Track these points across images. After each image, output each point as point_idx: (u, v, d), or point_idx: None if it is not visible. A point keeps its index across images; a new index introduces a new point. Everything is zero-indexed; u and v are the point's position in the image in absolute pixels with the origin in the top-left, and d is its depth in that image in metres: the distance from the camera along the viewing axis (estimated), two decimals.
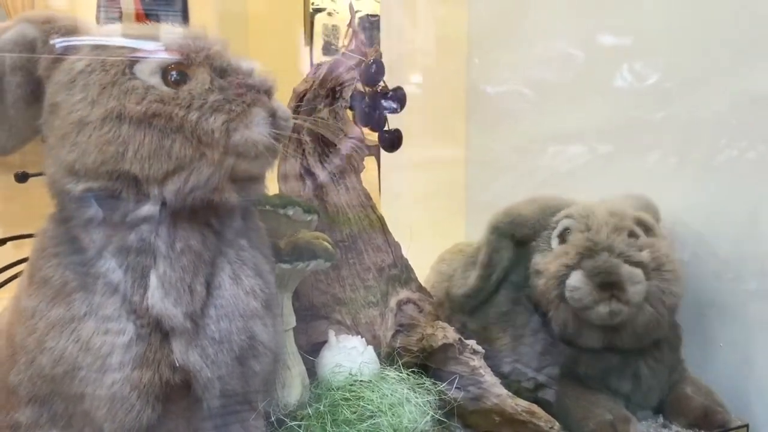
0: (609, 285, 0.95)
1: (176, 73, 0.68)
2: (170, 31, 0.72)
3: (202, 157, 0.66)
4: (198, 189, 0.67)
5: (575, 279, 0.97)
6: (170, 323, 0.67)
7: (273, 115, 0.71)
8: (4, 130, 0.71)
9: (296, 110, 1.01)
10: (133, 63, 0.67)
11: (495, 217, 1.11)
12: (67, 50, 0.70)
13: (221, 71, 0.70)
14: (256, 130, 0.68)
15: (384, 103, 1.05)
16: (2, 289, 1.06)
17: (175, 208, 0.67)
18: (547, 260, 1.03)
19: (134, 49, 0.69)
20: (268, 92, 0.72)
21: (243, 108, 0.68)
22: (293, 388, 0.89)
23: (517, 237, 1.09)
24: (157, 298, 0.67)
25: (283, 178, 1.02)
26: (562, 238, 1.04)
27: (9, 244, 1.08)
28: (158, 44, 0.70)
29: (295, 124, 1.00)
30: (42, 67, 0.70)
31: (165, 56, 0.69)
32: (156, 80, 0.67)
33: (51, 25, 0.70)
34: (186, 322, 0.67)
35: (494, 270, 1.10)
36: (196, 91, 0.67)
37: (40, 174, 0.75)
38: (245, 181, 0.72)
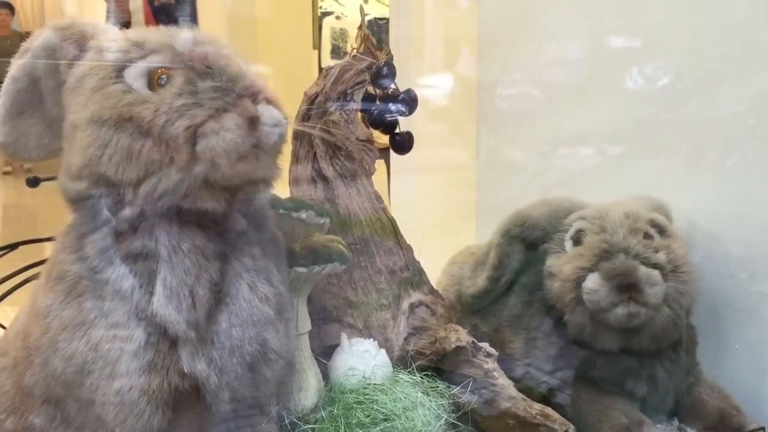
0: (627, 287, 0.94)
1: (165, 77, 0.67)
2: (165, 34, 0.70)
3: (171, 162, 0.64)
4: (167, 195, 0.65)
5: (592, 281, 0.96)
6: (173, 329, 0.66)
7: (254, 121, 0.65)
8: (52, 129, 0.73)
9: (307, 113, 1.01)
10: (123, 67, 0.67)
11: (506, 221, 1.10)
12: (79, 56, 0.71)
13: (203, 74, 0.66)
14: (226, 137, 0.63)
15: (394, 105, 1.05)
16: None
17: (163, 213, 0.66)
18: (562, 262, 1.02)
19: (127, 54, 0.68)
20: (254, 96, 0.67)
21: (211, 113, 0.64)
22: (309, 391, 0.89)
23: (528, 240, 1.09)
24: (160, 303, 0.66)
25: (294, 181, 1.01)
26: (576, 240, 1.03)
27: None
28: (148, 48, 0.69)
29: (306, 127, 1.00)
30: (62, 71, 0.71)
31: (152, 60, 0.67)
32: (139, 84, 0.66)
33: (68, 31, 0.72)
34: (189, 329, 0.67)
35: (504, 273, 1.10)
36: (166, 95, 0.65)
37: (51, 178, 0.76)
38: (244, 186, 0.70)
